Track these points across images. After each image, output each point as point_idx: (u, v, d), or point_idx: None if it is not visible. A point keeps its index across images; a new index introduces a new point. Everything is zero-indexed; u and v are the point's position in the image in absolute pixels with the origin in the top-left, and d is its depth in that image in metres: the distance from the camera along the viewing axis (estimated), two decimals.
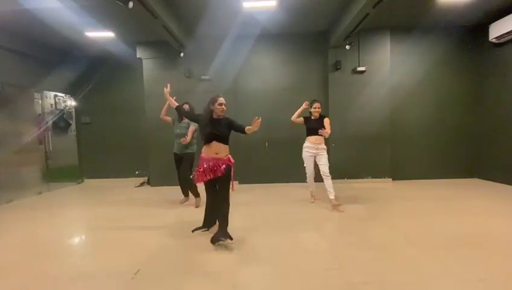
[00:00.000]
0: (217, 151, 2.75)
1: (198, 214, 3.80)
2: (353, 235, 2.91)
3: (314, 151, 3.96)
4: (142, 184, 6.11)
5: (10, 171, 4.94)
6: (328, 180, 3.84)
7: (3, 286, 2.14)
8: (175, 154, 4.23)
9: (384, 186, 5.29)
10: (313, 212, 3.73)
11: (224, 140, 2.79)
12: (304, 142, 4.06)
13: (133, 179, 6.34)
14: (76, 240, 3.23)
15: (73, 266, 2.44)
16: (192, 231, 2.98)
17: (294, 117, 4.04)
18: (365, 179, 5.57)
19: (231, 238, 2.62)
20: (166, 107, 4.16)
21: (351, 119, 5.51)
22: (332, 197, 3.78)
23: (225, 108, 2.81)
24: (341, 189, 4.82)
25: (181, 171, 4.15)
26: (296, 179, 5.63)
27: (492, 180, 5.33)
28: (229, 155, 2.84)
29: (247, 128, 2.77)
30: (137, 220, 3.65)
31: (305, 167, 4.06)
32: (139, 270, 2.26)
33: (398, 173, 5.67)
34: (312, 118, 4.04)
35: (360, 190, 4.87)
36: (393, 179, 5.61)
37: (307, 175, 4.08)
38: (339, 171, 5.40)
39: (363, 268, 2.21)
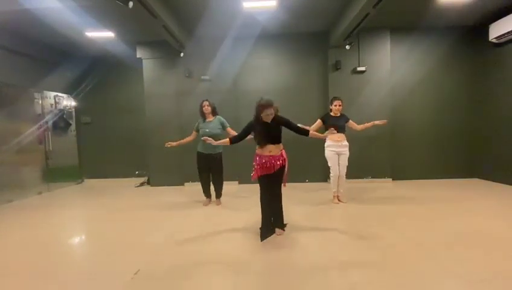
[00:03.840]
0: (270, 150, 2.85)
1: (198, 215, 3.81)
2: (353, 235, 2.91)
3: (337, 149, 3.93)
4: (142, 184, 6.11)
5: (10, 171, 4.94)
6: (342, 180, 4.00)
7: (4, 286, 2.14)
8: (201, 153, 4.03)
9: (385, 186, 5.29)
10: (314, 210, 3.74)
11: (276, 142, 2.87)
12: (325, 141, 3.99)
13: (133, 179, 6.35)
14: (76, 240, 3.23)
15: (73, 266, 2.45)
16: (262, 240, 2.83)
17: (312, 131, 3.50)
18: (365, 179, 5.57)
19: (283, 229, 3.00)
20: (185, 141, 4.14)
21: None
22: (340, 193, 4.10)
23: (272, 115, 2.77)
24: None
25: (216, 172, 4.10)
26: (298, 179, 5.65)
27: (492, 180, 5.33)
28: (283, 150, 2.93)
29: (312, 133, 3.01)
30: (138, 220, 3.65)
31: (329, 167, 3.99)
32: (139, 270, 2.25)
33: (398, 173, 5.67)
34: (332, 114, 3.98)
35: (360, 190, 4.86)
36: (393, 179, 5.61)
37: (332, 175, 3.99)
38: None
39: (363, 268, 2.20)
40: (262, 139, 2.84)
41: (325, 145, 4.02)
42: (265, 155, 2.85)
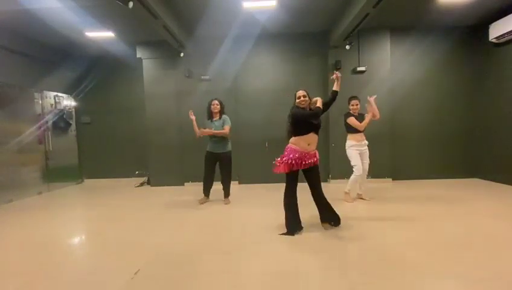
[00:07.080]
0: (310, 141, 2.83)
1: (198, 214, 3.81)
2: (353, 235, 2.91)
3: (360, 148, 4.04)
4: (142, 184, 6.11)
5: (10, 171, 4.94)
6: (364, 177, 4.20)
7: (4, 286, 2.14)
8: (210, 153, 4.12)
9: (385, 186, 5.29)
10: None
11: (317, 131, 2.89)
12: (346, 141, 4.11)
13: (133, 179, 6.35)
14: (76, 240, 3.23)
15: (73, 266, 2.44)
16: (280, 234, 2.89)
17: (362, 125, 3.98)
18: (365, 179, 5.55)
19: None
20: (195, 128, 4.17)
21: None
22: (362, 191, 4.28)
23: (305, 98, 2.90)
24: (341, 189, 4.80)
25: (225, 171, 4.15)
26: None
27: (493, 180, 5.33)
28: (316, 151, 2.94)
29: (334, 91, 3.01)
30: (138, 220, 3.65)
31: (353, 166, 4.05)
32: (139, 270, 2.25)
33: (398, 173, 5.67)
34: (354, 114, 4.08)
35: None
36: (393, 179, 5.61)
37: (356, 174, 4.03)
38: (339, 171, 5.43)
39: (363, 268, 2.21)
40: (310, 126, 2.80)
41: (348, 145, 4.10)
42: (300, 150, 2.80)
